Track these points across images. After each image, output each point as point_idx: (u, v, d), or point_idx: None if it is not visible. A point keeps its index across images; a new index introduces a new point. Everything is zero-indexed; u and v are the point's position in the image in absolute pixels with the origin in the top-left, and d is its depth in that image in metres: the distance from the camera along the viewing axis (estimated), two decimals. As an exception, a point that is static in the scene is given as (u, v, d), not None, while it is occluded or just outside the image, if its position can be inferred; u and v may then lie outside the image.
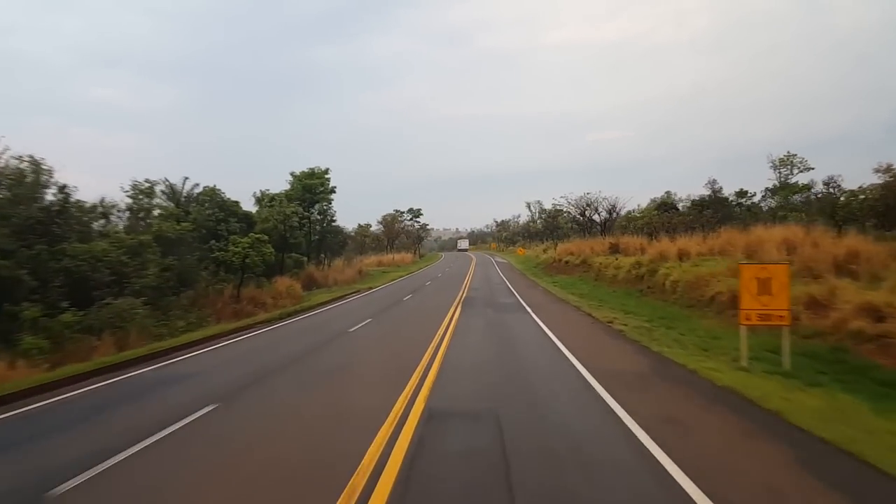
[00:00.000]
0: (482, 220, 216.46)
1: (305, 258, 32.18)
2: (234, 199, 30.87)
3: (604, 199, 38.56)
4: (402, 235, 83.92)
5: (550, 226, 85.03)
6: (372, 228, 72.30)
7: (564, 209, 71.74)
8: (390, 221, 73.10)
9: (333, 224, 37.69)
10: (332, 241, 38.34)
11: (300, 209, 29.82)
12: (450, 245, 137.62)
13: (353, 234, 67.52)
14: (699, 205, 41.78)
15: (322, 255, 39.69)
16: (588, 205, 39.63)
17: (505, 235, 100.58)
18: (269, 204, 31.28)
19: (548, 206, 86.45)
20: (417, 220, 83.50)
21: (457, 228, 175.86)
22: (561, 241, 68.43)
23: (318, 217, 36.76)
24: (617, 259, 28.00)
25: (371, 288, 29.52)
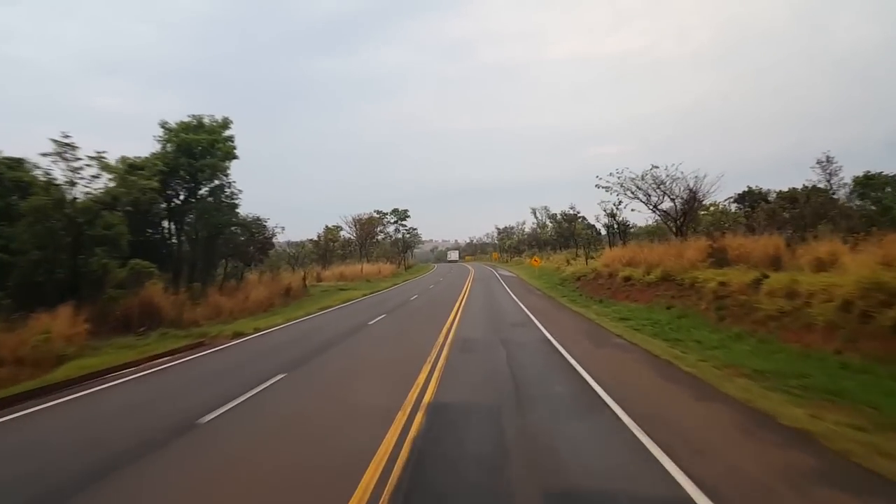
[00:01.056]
0: (482, 230, 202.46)
1: (154, 269, 17.18)
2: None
3: (677, 177, 23.59)
4: (384, 242, 69.05)
5: (565, 232, 70.36)
6: (342, 232, 57.40)
7: (582, 215, 55.95)
8: (365, 223, 58.13)
9: (236, 212, 22.76)
10: (238, 242, 23.51)
11: (111, 163, 14.88)
12: (444, 257, 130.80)
13: (318, 239, 52.81)
14: (818, 193, 27.21)
15: (224, 264, 24.77)
16: (657, 185, 24.55)
17: (509, 244, 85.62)
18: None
19: (555, 210, 72.62)
20: (404, 223, 68.62)
21: (456, 240, 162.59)
22: (589, 248, 54.05)
23: (210, 199, 21.87)
24: (765, 277, 13.23)
25: (244, 335, 14.41)
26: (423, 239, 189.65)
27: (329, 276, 41.31)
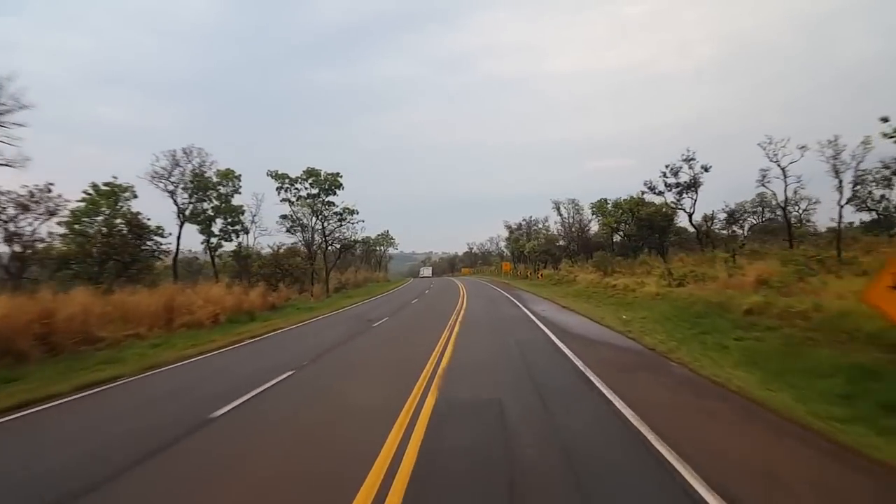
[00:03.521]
0: (484, 236, 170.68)
1: None
2: None
3: None
4: (298, 244, 35.29)
5: (645, 225, 36.99)
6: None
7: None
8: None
9: None
10: None
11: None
12: (438, 270, 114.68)
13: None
14: None
15: None
16: None
17: (533, 247, 51.75)
18: None
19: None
20: (332, 201, 34.81)
21: (455, 252, 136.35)
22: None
23: None
24: None
25: None
26: (418, 251, 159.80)
27: None
